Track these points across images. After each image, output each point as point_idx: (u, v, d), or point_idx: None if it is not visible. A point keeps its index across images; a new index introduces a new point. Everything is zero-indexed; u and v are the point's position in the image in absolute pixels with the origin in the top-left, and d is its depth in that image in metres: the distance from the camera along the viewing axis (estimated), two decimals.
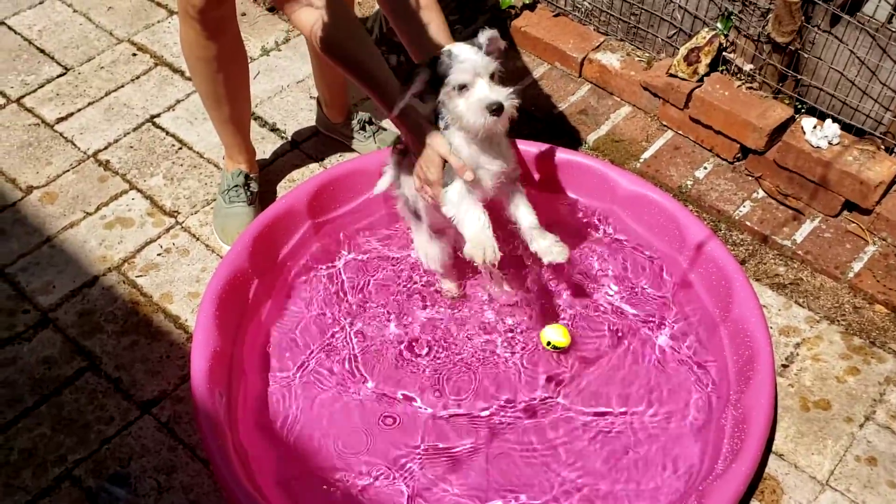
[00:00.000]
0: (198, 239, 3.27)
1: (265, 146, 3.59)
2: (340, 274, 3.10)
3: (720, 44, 3.46)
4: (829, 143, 3.22)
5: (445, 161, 2.52)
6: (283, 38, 4.06)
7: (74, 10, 4.19)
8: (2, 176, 3.47)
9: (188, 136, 3.63)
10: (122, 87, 3.84)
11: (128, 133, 3.64)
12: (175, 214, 3.35)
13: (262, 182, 3.39)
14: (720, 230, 3.29)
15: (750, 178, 3.43)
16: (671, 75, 3.52)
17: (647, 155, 3.53)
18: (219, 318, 2.73)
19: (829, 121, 3.26)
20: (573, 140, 3.60)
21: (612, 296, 3.03)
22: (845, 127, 3.28)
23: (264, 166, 3.50)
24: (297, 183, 3.41)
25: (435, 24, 2.66)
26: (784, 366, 2.91)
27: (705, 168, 3.48)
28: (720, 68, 3.51)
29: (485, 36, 2.45)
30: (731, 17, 3.40)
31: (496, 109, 2.37)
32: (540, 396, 2.78)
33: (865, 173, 3.15)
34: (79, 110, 3.73)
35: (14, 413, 2.80)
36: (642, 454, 2.67)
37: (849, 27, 3.12)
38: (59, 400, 2.82)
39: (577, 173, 3.18)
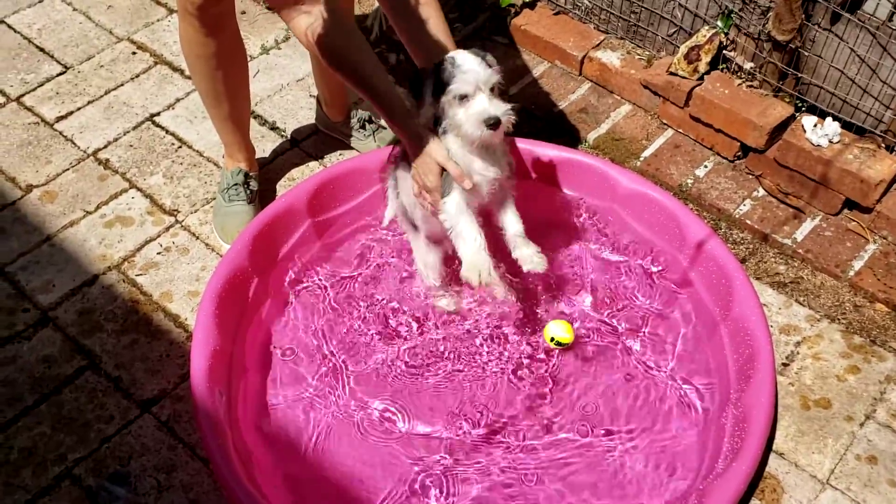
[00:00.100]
0: (198, 238, 3.27)
1: (265, 145, 3.58)
2: (340, 272, 3.10)
3: (720, 42, 3.46)
4: (830, 142, 3.22)
5: (444, 168, 2.52)
6: (282, 37, 4.05)
7: (74, 9, 4.18)
8: (2, 175, 3.46)
9: (188, 134, 3.62)
10: (122, 85, 3.84)
11: (127, 132, 3.64)
12: (175, 213, 3.34)
13: (261, 181, 3.39)
14: (720, 229, 3.29)
15: (750, 176, 3.42)
16: (671, 73, 3.52)
17: (647, 153, 3.53)
18: (219, 316, 2.73)
19: (829, 119, 3.26)
20: (573, 138, 3.59)
21: (612, 294, 3.03)
22: (846, 125, 3.27)
23: (264, 165, 3.50)
24: (297, 181, 3.41)
25: (434, 22, 2.66)
26: (784, 364, 2.91)
27: (706, 166, 3.47)
28: (720, 66, 3.51)
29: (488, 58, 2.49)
30: (732, 16, 3.40)
31: (493, 124, 2.40)
32: (537, 396, 2.79)
33: (866, 171, 3.15)
34: (78, 109, 3.73)
35: (14, 412, 2.79)
36: (643, 453, 2.67)
37: (849, 25, 3.12)
38: (59, 399, 2.82)
39: (577, 172, 3.18)
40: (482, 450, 2.68)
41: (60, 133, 3.63)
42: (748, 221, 3.27)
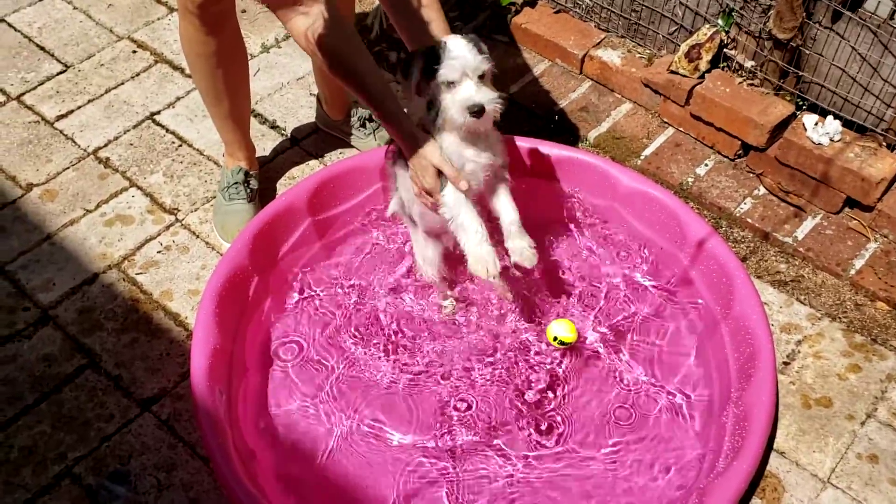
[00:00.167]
0: (198, 236, 3.27)
1: (265, 143, 3.58)
2: (340, 271, 3.09)
3: (721, 40, 3.45)
4: (831, 140, 3.21)
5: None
6: (283, 35, 4.05)
7: (74, 8, 4.18)
8: (2, 173, 3.46)
9: (188, 133, 3.62)
10: (122, 84, 3.84)
11: (128, 130, 3.64)
12: (175, 212, 3.34)
13: (261, 179, 3.39)
14: (721, 227, 3.28)
15: (751, 174, 3.42)
16: (672, 72, 3.52)
17: (647, 152, 3.52)
18: (219, 315, 2.72)
19: (830, 117, 3.26)
20: (574, 137, 3.59)
21: (611, 293, 3.03)
22: (847, 124, 3.27)
23: (264, 163, 3.50)
24: (297, 180, 3.41)
25: (435, 20, 2.66)
26: (785, 363, 2.91)
27: (706, 165, 3.47)
28: (721, 65, 3.50)
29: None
30: (733, 14, 3.40)
31: (477, 111, 2.39)
32: (535, 398, 2.78)
33: (867, 170, 3.14)
34: (79, 108, 3.73)
35: (14, 411, 2.79)
36: (643, 451, 2.67)
37: (850, 23, 3.11)
38: (59, 397, 2.82)
39: (577, 170, 3.18)
40: (482, 454, 2.67)
41: (61, 132, 3.63)
42: (749, 220, 3.27)
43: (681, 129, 3.58)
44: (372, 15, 4.04)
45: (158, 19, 4.14)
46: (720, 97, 3.39)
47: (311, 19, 2.41)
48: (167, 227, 3.29)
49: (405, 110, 2.55)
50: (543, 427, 2.71)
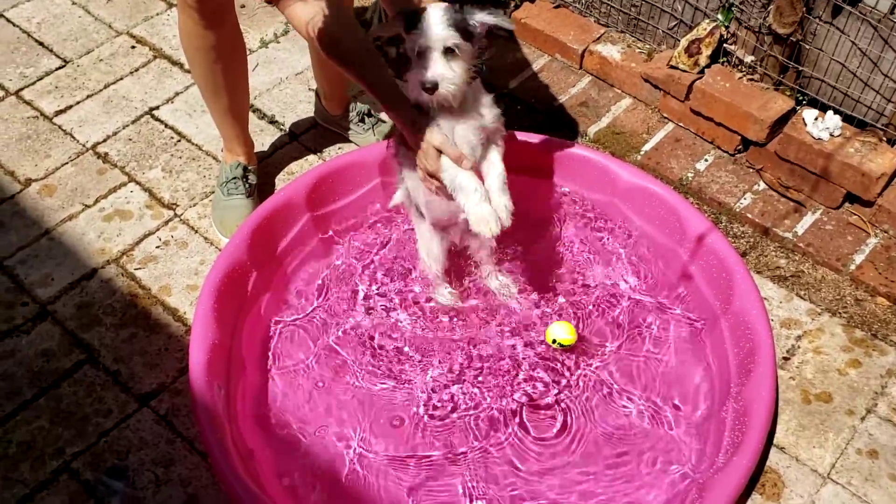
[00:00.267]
0: (196, 231, 3.26)
1: (264, 138, 3.57)
2: (339, 267, 3.09)
3: (721, 35, 3.45)
4: (831, 135, 3.21)
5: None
6: (282, 31, 4.04)
7: (73, 3, 4.17)
8: (0, 168, 3.46)
9: (187, 128, 3.61)
10: (121, 79, 3.83)
11: (126, 126, 3.63)
12: (174, 207, 3.34)
13: (260, 174, 3.38)
14: (721, 222, 3.28)
15: (751, 170, 3.41)
16: (672, 67, 3.51)
17: (647, 147, 3.52)
18: (217, 310, 2.72)
19: (830, 112, 3.25)
20: (573, 132, 3.58)
21: (610, 290, 3.02)
22: (847, 119, 3.26)
23: (263, 158, 3.49)
24: (296, 175, 3.40)
25: None
26: (785, 358, 2.90)
27: (706, 160, 3.46)
28: (721, 60, 3.49)
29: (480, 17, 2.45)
30: (732, 9, 3.39)
31: (429, 88, 2.38)
32: (536, 394, 2.78)
33: (867, 165, 3.14)
34: (77, 103, 3.72)
35: (12, 406, 2.79)
36: (641, 447, 2.67)
37: (850, 18, 3.10)
38: (58, 393, 2.81)
39: (577, 165, 3.17)
40: (482, 451, 2.67)
41: (59, 127, 3.62)
42: (749, 215, 3.26)
43: (680, 124, 3.57)
44: (371, 9, 4.03)
45: (157, 14, 4.13)
46: (720, 92, 3.38)
47: (309, 7, 2.41)
48: (166, 223, 3.28)
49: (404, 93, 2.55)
50: (543, 424, 2.71)
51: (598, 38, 3.80)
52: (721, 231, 3.05)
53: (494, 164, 2.58)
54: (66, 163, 3.48)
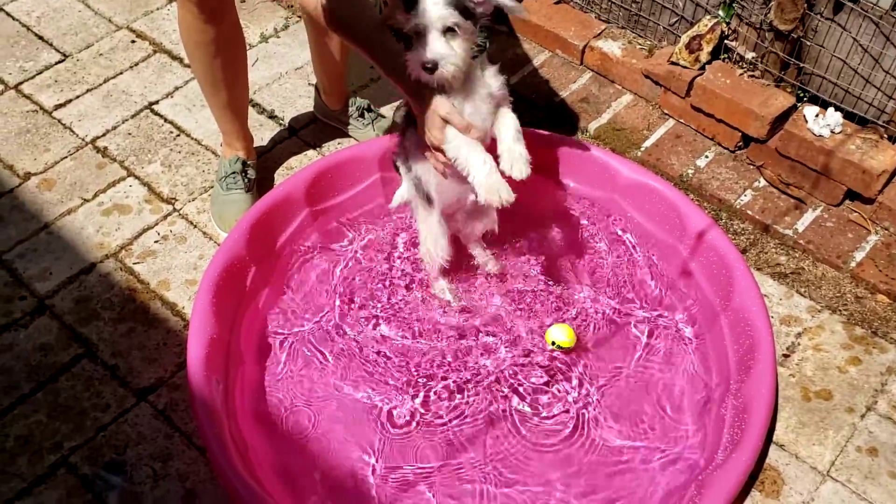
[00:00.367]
0: (195, 226, 3.25)
1: (263, 133, 3.57)
2: (338, 262, 3.08)
3: (722, 32, 3.44)
4: (832, 132, 3.20)
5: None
6: (282, 25, 4.04)
7: None
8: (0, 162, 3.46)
9: (186, 123, 3.61)
10: (121, 74, 3.82)
11: (126, 120, 3.62)
12: (173, 201, 3.33)
13: (259, 169, 3.38)
14: (721, 219, 3.27)
15: (751, 166, 3.41)
16: (673, 63, 3.50)
17: (648, 143, 3.51)
18: (216, 305, 2.71)
19: (831, 109, 3.24)
20: (574, 128, 3.58)
21: (612, 290, 3.02)
22: (848, 115, 3.25)
23: (262, 153, 3.49)
24: (295, 170, 3.39)
25: None
26: (785, 356, 2.90)
27: (706, 157, 3.46)
28: (722, 56, 3.49)
29: None
30: (733, 5, 3.38)
31: (429, 68, 2.36)
32: (535, 385, 2.78)
33: (868, 162, 3.13)
34: (77, 97, 3.72)
35: (10, 400, 2.78)
36: (642, 445, 2.66)
37: (852, 14, 3.10)
38: (56, 387, 2.81)
39: (577, 162, 3.16)
40: (480, 443, 2.66)
41: (59, 121, 3.61)
42: (749, 212, 3.26)
43: (681, 120, 3.57)
44: None
45: (157, 9, 4.12)
46: (721, 89, 3.37)
47: None
48: (165, 217, 3.28)
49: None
50: (540, 418, 2.70)
51: (599, 34, 3.79)
52: (721, 228, 3.04)
53: (506, 119, 2.54)
54: (66, 157, 3.47)
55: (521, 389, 2.76)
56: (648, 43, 3.73)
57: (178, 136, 3.56)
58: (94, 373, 2.84)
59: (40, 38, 3.97)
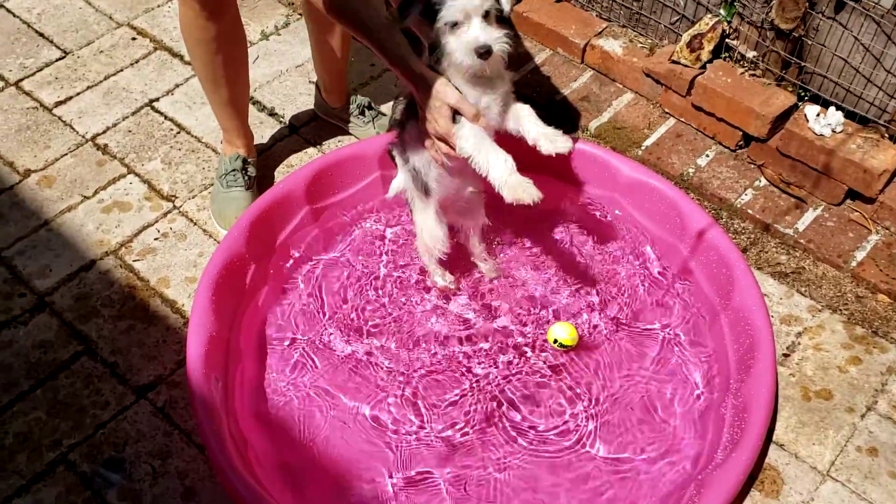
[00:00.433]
0: (195, 223, 3.25)
1: (263, 131, 3.56)
2: (338, 260, 3.08)
3: (723, 30, 3.43)
4: (833, 131, 3.20)
5: (455, 111, 2.46)
6: (282, 23, 4.03)
7: None
8: (0, 159, 3.46)
9: (187, 120, 3.60)
10: (122, 71, 3.82)
11: (126, 117, 3.62)
12: (173, 199, 3.33)
13: (260, 167, 3.37)
14: (722, 218, 3.26)
15: (752, 165, 3.40)
16: (674, 62, 3.50)
17: (648, 142, 3.50)
18: (215, 302, 2.71)
19: (832, 108, 3.24)
20: (574, 127, 3.57)
21: (613, 288, 3.01)
22: (849, 115, 3.25)
23: (262, 151, 3.48)
24: (296, 168, 3.39)
25: None
26: (785, 355, 2.89)
27: (707, 156, 3.45)
28: (723, 55, 3.48)
29: None
30: (735, 4, 3.37)
31: (484, 53, 2.34)
32: (536, 387, 2.77)
33: (869, 161, 3.12)
34: (77, 94, 3.71)
35: (9, 397, 2.78)
36: (641, 444, 2.66)
37: (853, 13, 3.09)
38: (55, 384, 2.81)
39: (578, 160, 3.16)
40: (480, 445, 2.66)
41: (59, 118, 3.61)
42: (750, 211, 3.25)
43: (682, 119, 3.56)
44: None
45: (158, 6, 4.12)
46: (722, 87, 3.37)
47: None
48: (165, 214, 3.28)
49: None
50: (542, 418, 2.70)
51: (600, 33, 3.79)
52: (722, 227, 3.04)
53: (523, 111, 2.54)
54: (66, 154, 3.47)
55: (519, 396, 2.76)
56: (649, 41, 3.72)
57: (179, 133, 3.55)
58: (94, 370, 2.84)
59: (41, 34, 3.97)
